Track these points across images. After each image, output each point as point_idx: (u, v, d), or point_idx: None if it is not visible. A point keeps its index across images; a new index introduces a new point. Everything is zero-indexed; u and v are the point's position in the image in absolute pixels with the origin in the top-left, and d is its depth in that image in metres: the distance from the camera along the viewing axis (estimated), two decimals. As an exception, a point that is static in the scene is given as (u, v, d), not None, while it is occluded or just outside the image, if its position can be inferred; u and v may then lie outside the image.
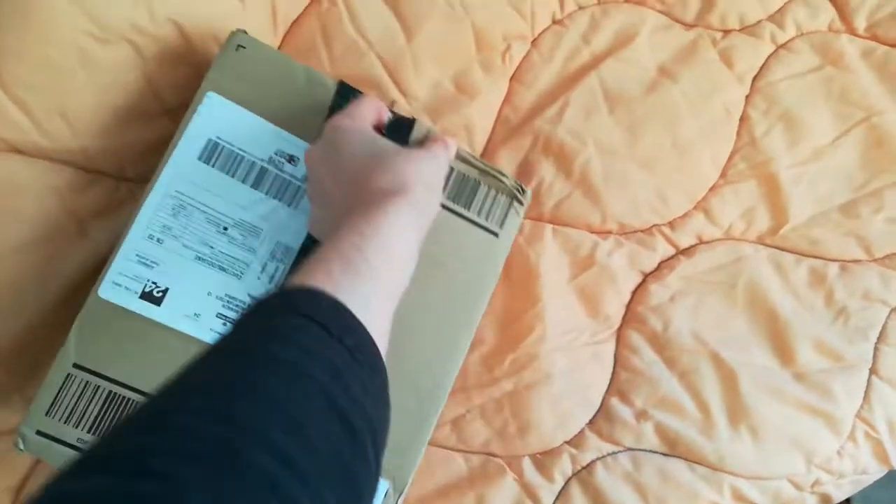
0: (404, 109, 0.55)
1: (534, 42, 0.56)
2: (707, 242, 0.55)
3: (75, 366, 0.41)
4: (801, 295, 0.55)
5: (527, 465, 0.50)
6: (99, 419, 0.41)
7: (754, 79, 0.57)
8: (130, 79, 0.48)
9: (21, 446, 0.41)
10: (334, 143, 0.39)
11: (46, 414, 0.41)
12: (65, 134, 0.46)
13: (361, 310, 0.31)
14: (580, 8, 0.58)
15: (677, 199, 0.55)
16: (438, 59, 0.54)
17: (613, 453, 0.51)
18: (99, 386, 0.41)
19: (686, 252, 0.55)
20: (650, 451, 0.51)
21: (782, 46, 0.58)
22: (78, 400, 0.41)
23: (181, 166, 0.43)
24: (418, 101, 0.54)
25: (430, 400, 0.45)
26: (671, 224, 0.55)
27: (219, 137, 0.44)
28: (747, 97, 0.57)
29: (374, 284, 0.32)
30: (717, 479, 0.50)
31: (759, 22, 0.58)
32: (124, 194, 0.49)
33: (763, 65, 0.57)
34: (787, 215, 0.56)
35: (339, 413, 0.26)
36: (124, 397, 0.41)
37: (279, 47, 0.53)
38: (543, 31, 0.57)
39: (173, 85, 0.49)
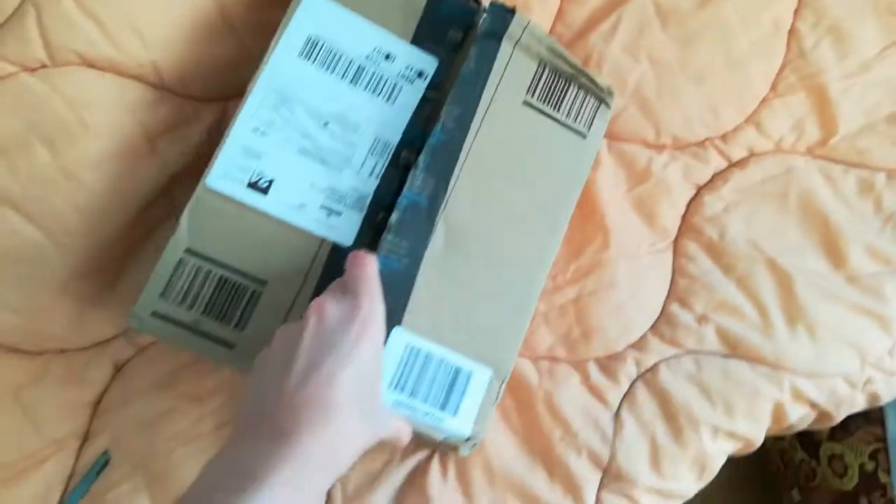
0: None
1: (585, -40, 0.57)
2: (758, 155, 0.57)
3: (187, 251, 0.43)
4: (850, 203, 0.56)
5: (592, 368, 0.52)
6: (212, 302, 0.42)
7: (802, -8, 0.58)
8: (200, -3, 0.48)
9: (136, 326, 0.42)
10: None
11: (161, 296, 0.42)
12: (136, 47, 0.46)
13: None
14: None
15: (729, 113, 0.56)
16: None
17: (676, 356, 0.52)
18: (210, 271, 0.43)
19: (738, 164, 0.56)
20: (711, 352, 0.52)
21: (828, -39, 0.59)
22: (191, 283, 0.42)
23: (282, 62, 0.44)
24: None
25: (526, 289, 0.47)
26: (723, 137, 0.56)
27: (318, 35, 0.45)
28: (796, 11, 0.58)
29: None
30: (777, 377, 0.52)
31: (804, -63, 0.59)
32: (189, 113, 0.50)
33: (810, -21, 0.58)
34: (835, 126, 0.57)
35: None
36: (236, 282, 0.43)
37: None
38: (594, -51, 0.57)
39: (242, 3, 0.50)
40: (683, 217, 0.55)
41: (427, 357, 0.44)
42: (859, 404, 0.56)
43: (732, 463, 0.55)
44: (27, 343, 0.47)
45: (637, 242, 0.54)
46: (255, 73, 0.44)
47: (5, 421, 0.47)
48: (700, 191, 0.56)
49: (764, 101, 0.57)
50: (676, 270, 0.54)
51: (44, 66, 0.45)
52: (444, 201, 0.45)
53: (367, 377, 0.36)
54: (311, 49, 0.45)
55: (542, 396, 0.51)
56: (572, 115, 0.49)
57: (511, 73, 0.48)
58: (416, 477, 0.49)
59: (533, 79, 0.48)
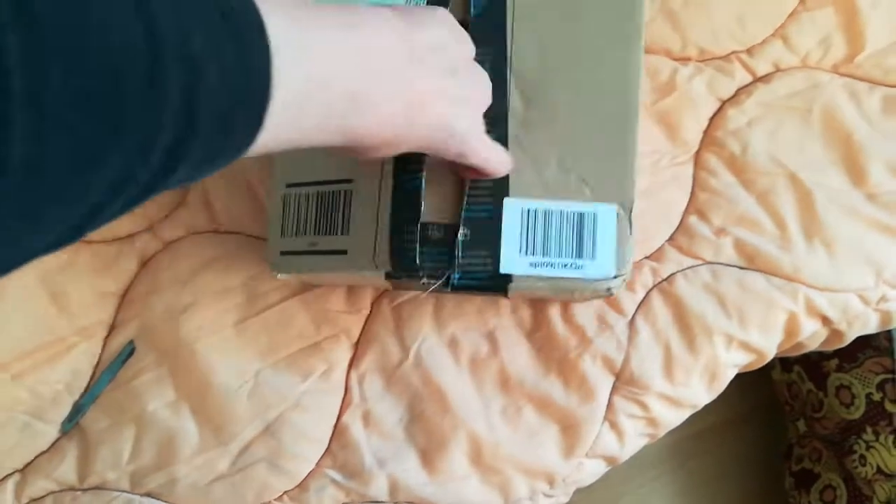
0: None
1: None
2: (784, 70, 0.56)
3: (288, 185, 0.46)
4: (874, 121, 0.56)
5: (609, 277, 0.52)
6: (319, 220, 0.45)
7: None
8: None
9: (277, 274, 0.46)
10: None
11: (282, 237, 0.46)
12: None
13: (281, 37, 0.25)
14: None
15: (756, 26, 0.56)
16: None
17: (693, 266, 0.53)
18: (308, 193, 0.45)
19: (763, 79, 0.56)
20: (728, 264, 0.53)
21: None
22: (298, 213, 0.45)
23: None
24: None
25: (623, 114, 0.45)
26: (749, 51, 0.56)
27: None
28: (828, -78, 0.56)
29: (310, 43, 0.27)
30: (793, 289, 0.53)
31: None
32: None
33: None
34: (862, 43, 0.56)
35: (148, 19, 0.20)
36: (330, 192, 0.45)
37: None
38: None
39: None
40: (706, 131, 0.55)
41: (546, 214, 0.44)
42: (872, 324, 0.57)
43: (740, 399, 0.55)
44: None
45: (658, 156, 0.54)
46: None
47: (33, 306, 0.48)
48: (724, 104, 0.55)
49: (792, 14, 0.56)
50: (696, 184, 0.54)
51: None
52: (508, 61, 0.45)
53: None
54: None
55: (558, 305, 0.52)
56: None
57: None
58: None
59: None
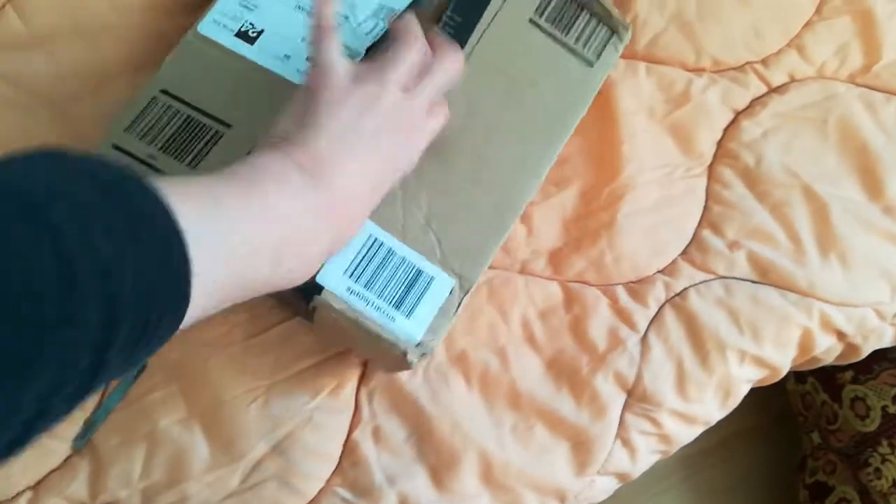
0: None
1: None
2: (799, 80, 0.55)
3: (162, 91, 0.44)
4: (890, 132, 0.55)
5: (621, 291, 0.52)
6: (172, 139, 0.43)
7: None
8: None
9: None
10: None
11: (125, 130, 0.43)
12: None
13: (189, 221, 0.26)
14: None
15: (772, 35, 0.55)
16: None
17: (706, 281, 0.52)
18: (179, 110, 0.43)
19: (778, 90, 0.55)
20: (742, 279, 0.52)
21: None
22: (157, 121, 0.43)
23: None
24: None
25: (506, 208, 0.45)
26: (764, 61, 0.55)
27: None
28: (845, -69, 0.56)
29: (218, 221, 0.29)
30: (807, 305, 0.52)
31: None
32: None
33: None
34: (879, 52, 0.55)
35: (56, 249, 0.21)
36: (201, 123, 0.43)
37: None
38: None
39: None
40: (719, 142, 0.54)
41: (389, 252, 0.43)
42: (887, 338, 0.56)
43: (754, 410, 0.54)
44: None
45: (671, 168, 0.54)
46: None
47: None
48: (738, 116, 0.55)
49: (808, 24, 0.55)
50: (710, 196, 0.54)
51: None
52: None
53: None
54: None
55: (570, 321, 0.51)
56: (581, 42, 0.47)
57: None
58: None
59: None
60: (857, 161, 0.54)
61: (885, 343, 0.56)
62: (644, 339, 0.51)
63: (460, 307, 0.44)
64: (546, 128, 0.47)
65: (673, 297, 0.52)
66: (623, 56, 0.54)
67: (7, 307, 0.20)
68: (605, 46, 0.48)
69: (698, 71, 0.54)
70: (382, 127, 0.37)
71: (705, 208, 0.54)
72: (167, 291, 0.25)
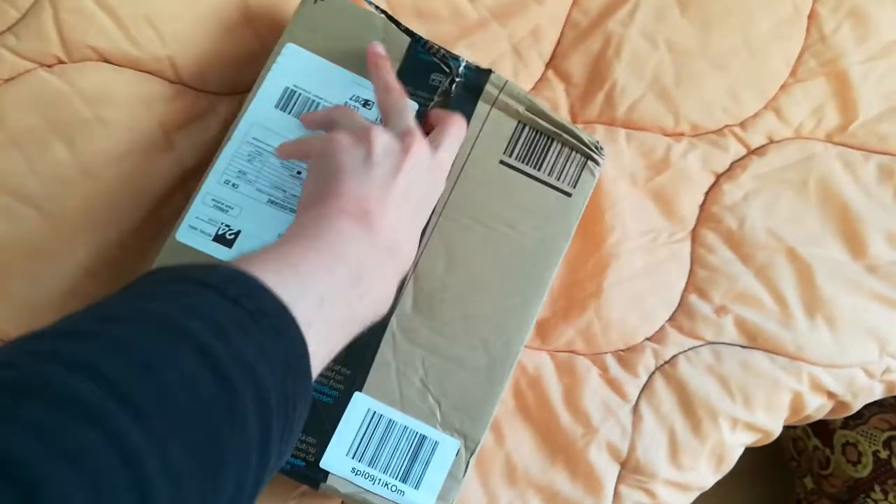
0: (470, 17, 0.54)
1: (602, -56, 0.56)
2: (778, 142, 0.56)
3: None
4: (870, 191, 0.55)
5: (610, 361, 0.52)
6: None
7: (822, -24, 0.57)
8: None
9: None
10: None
11: None
12: (153, 42, 0.46)
13: (284, 290, 0.28)
14: None
15: (749, 99, 0.56)
16: (510, -37, 0.54)
17: (695, 347, 0.52)
18: None
19: (757, 152, 0.56)
20: (730, 343, 0.52)
21: (849, -57, 0.57)
22: None
23: (258, 114, 0.45)
24: (485, 6, 0.54)
25: (501, 359, 0.45)
26: (742, 124, 0.56)
27: (296, 85, 0.45)
28: (816, -6, 0.57)
29: (305, 279, 0.30)
30: (796, 368, 0.52)
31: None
32: (205, 106, 0.50)
33: (830, -38, 0.57)
34: (856, 112, 0.56)
35: (214, 367, 0.23)
36: None
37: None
38: (611, -67, 0.56)
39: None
40: (702, 206, 0.55)
41: (389, 424, 0.43)
42: (877, 394, 0.56)
43: (745, 452, 0.54)
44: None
45: (654, 234, 0.54)
46: (231, 126, 0.44)
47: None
48: (718, 179, 0.55)
49: (784, 86, 0.56)
50: (695, 261, 0.54)
51: (60, 63, 0.44)
52: (414, 263, 0.45)
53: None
54: (289, 100, 0.45)
55: (562, 391, 0.51)
56: (555, 174, 0.47)
57: (487, 133, 0.47)
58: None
59: (511, 138, 0.47)
60: (839, 221, 0.55)
61: (876, 397, 0.56)
62: (635, 408, 0.51)
63: (468, 468, 0.43)
64: (529, 270, 0.47)
65: (662, 364, 0.52)
66: (602, 123, 0.55)
67: (189, 421, 0.21)
68: (581, 172, 0.48)
69: (677, 136, 0.55)
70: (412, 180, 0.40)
71: (690, 273, 0.54)
72: (296, 376, 0.27)
